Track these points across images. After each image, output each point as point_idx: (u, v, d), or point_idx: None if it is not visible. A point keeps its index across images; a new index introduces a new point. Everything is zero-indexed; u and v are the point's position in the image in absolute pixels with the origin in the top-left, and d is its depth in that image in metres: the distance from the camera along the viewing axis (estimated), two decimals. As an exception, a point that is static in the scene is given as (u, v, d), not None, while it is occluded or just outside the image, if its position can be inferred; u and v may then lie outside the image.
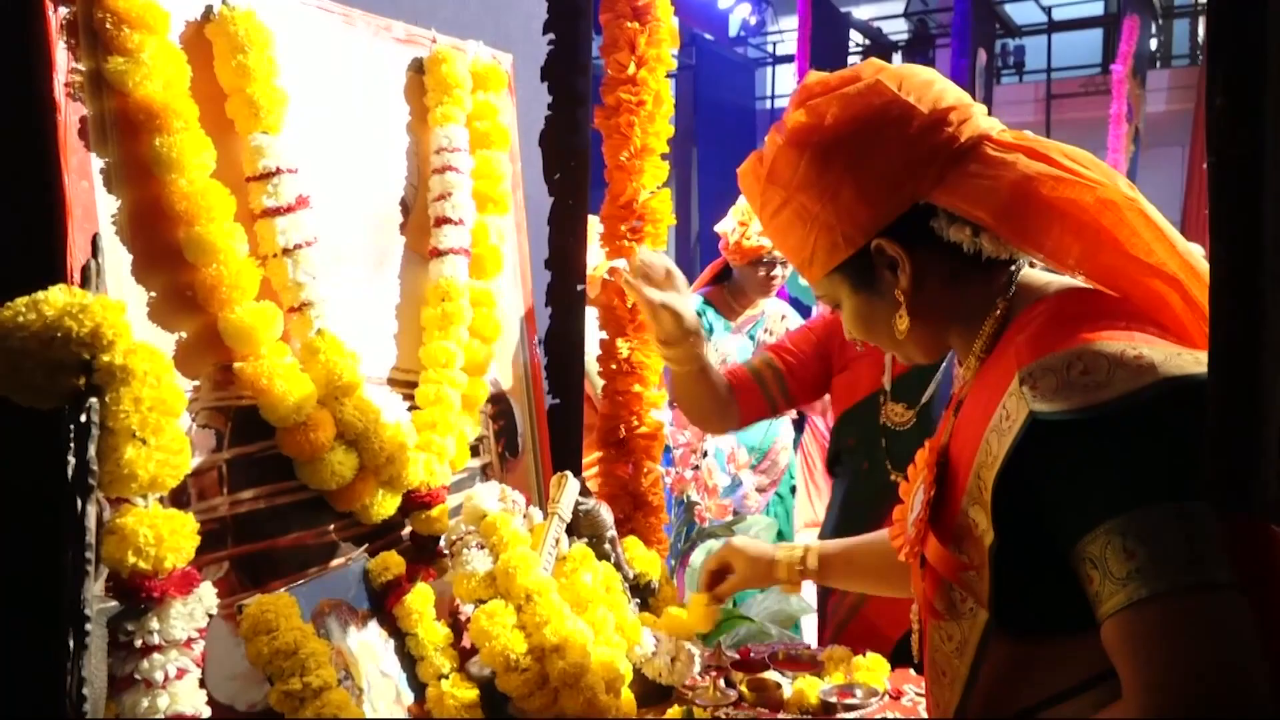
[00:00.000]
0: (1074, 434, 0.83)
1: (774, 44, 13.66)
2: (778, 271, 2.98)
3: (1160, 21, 12.91)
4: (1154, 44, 12.53)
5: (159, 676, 0.92)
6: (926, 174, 0.96)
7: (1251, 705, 0.74)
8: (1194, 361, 0.82)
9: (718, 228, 3.07)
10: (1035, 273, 1.03)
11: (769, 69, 13.72)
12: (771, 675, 1.62)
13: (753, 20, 11.95)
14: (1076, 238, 0.92)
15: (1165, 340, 0.87)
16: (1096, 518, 0.81)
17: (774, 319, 3.17)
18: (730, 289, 3.12)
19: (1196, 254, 0.92)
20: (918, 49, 12.72)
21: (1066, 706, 0.89)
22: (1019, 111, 12.06)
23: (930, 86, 0.99)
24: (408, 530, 1.52)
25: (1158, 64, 12.86)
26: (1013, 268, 1.01)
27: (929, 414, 1.78)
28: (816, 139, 0.99)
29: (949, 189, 0.96)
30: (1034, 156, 0.95)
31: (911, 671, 1.65)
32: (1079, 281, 0.98)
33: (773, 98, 13.31)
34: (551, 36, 1.96)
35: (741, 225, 2.94)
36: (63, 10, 1.13)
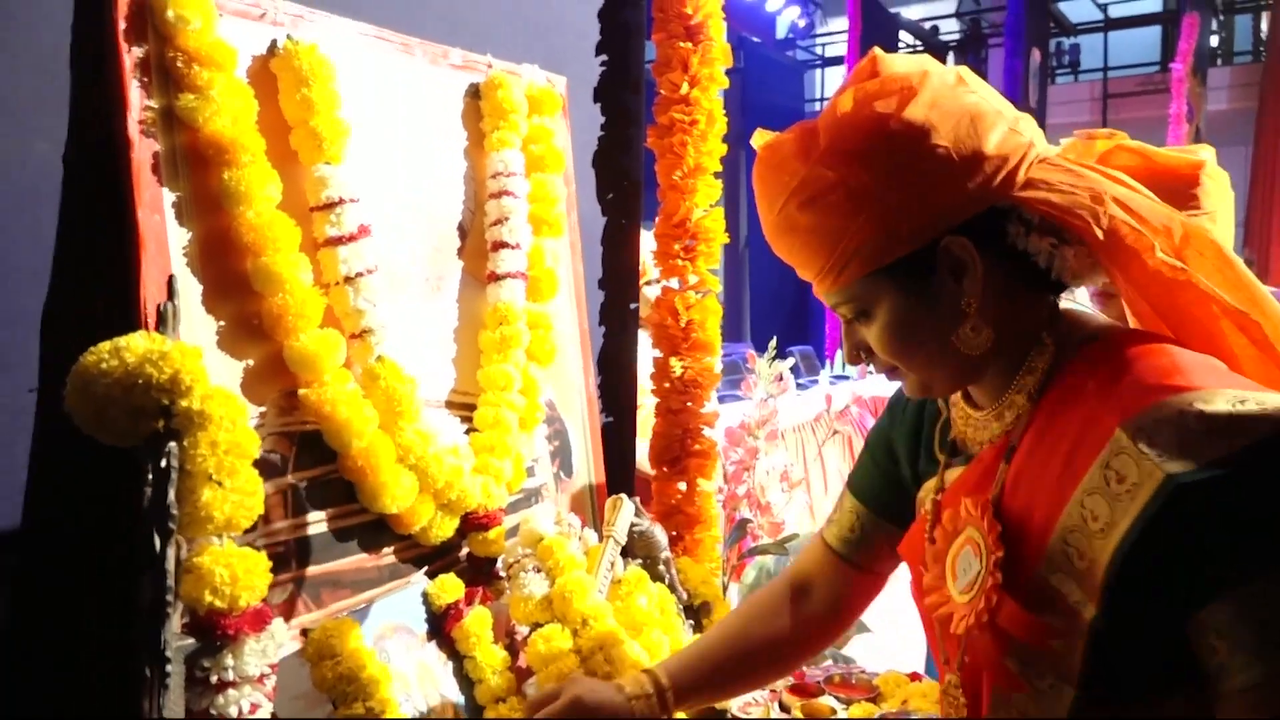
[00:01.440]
0: (1213, 495, 0.75)
1: (823, 46, 13.60)
2: None
3: (1221, 17, 12.61)
4: (1215, 40, 12.24)
5: (233, 712, 0.95)
6: (1010, 173, 0.86)
7: None
8: None
9: None
10: (1072, 306, 0.95)
11: (818, 71, 13.65)
12: (826, 700, 1.61)
13: (801, 23, 11.90)
14: (1157, 266, 0.85)
15: (1253, 381, 0.82)
16: (1230, 582, 0.75)
17: None
18: None
19: (1266, 293, 0.87)
20: (970, 49, 12.57)
21: None
22: (1074, 111, 11.86)
23: (995, 93, 0.93)
24: (465, 552, 1.54)
25: (1219, 61, 12.56)
26: (1057, 297, 0.94)
27: None
28: (899, 113, 0.85)
29: (1035, 192, 0.86)
30: (1109, 178, 0.89)
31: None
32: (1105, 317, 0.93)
33: (822, 100, 13.25)
34: (605, 57, 1.97)
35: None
36: (136, 50, 1.17)
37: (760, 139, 0.95)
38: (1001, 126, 0.87)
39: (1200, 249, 0.87)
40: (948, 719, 0.97)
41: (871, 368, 0.98)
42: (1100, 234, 0.86)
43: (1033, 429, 0.90)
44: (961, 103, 0.87)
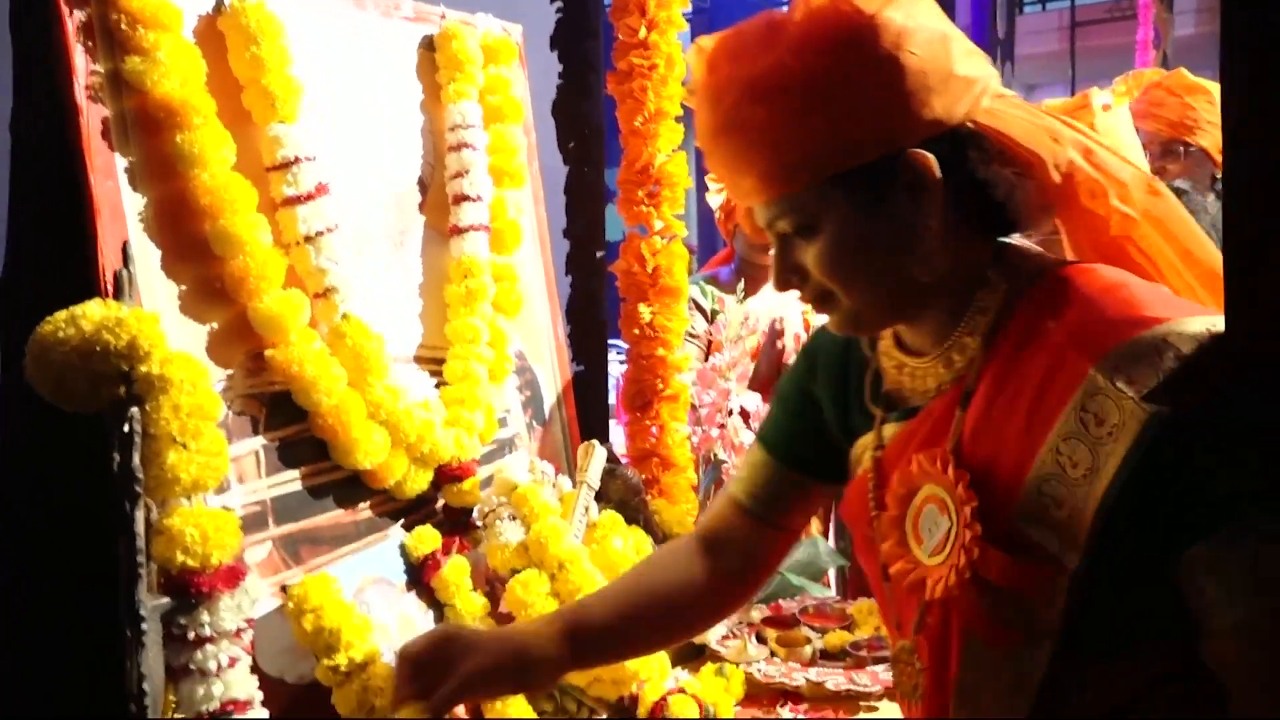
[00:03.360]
0: (1199, 428, 0.73)
1: (789, -18, 13.39)
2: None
3: (1188, -61, 12.50)
4: (1182, -37, 12.16)
5: (212, 666, 0.98)
6: (977, 96, 0.83)
7: None
8: None
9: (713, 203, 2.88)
10: (1022, 247, 0.91)
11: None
12: (802, 630, 1.66)
13: (767, -41, 11.73)
14: (1105, 218, 0.86)
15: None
16: (1216, 521, 0.72)
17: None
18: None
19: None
20: (937, -20, 12.43)
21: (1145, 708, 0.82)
22: (1043, 41, 11.79)
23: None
24: (441, 504, 1.56)
25: (1186, -15, 12.49)
26: (1002, 236, 0.90)
27: None
28: (878, 13, 0.81)
29: (1000, 120, 0.84)
30: (1064, 123, 0.88)
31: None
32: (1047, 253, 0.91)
33: (790, 38, 13.11)
34: (560, 4, 1.95)
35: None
36: (78, 14, 1.15)
37: (707, 39, 0.89)
38: (971, 52, 0.85)
39: (1162, 214, 0.86)
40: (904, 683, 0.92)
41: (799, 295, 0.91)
42: (1056, 175, 0.84)
43: (989, 373, 0.85)
44: (937, 20, 0.84)
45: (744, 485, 1.12)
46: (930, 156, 0.82)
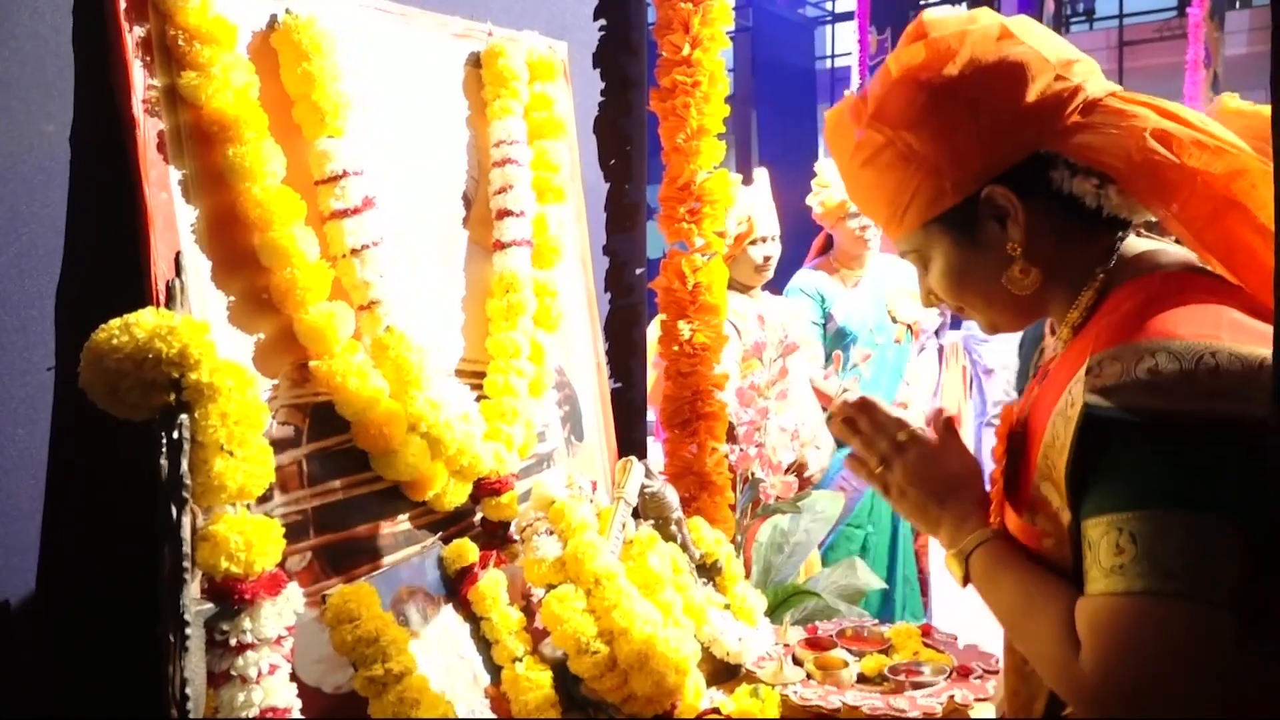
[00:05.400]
0: (1119, 430, 0.82)
1: (833, 1, 13.38)
2: (868, 221, 3.19)
3: (1240, -41, 12.32)
4: (1233, -17, 11.97)
5: (253, 673, 0.99)
6: (1051, 121, 0.92)
7: (1174, 715, 0.77)
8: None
9: (808, 200, 3.31)
10: (1141, 243, 0.98)
11: (828, 27, 13.46)
12: (839, 653, 1.64)
13: (810, -22, 11.73)
14: (1206, 199, 0.89)
15: (1260, 337, 0.82)
16: (1105, 507, 0.83)
17: (889, 274, 3.38)
18: (836, 256, 3.38)
19: None
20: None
21: None
22: (1090, 61, 11.66)
23: (1049, 36, 0.97)
24: (479, 517, 1.57)
25: (1237, 4, 12.29)
26: (1119, 234, 0.98)
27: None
28: (935, 73, 0.94)
29: (1076, 139, 0.92)
30: (1162, 114, 0.92)
31: (979, 648, 1.66)
32: (1189, 257, 0.95)
33: (833, 57, 13.07)
34: (604, 21, 1.96)
35: (822, 188, 3.25)
36: (138, 30, 1.18)
37: (831, 111, 1.07)
38: (1045, 77, 0.93)
39: (1254, 181, 0.88)
40: None
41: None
42: (1129, 169, 0.90)
43: (1062, 356, 0.97)
44: (1003, 55, 0.93)
45: None
46: (1005, 190, 0.94)
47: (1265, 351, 0.79)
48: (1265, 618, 0.81)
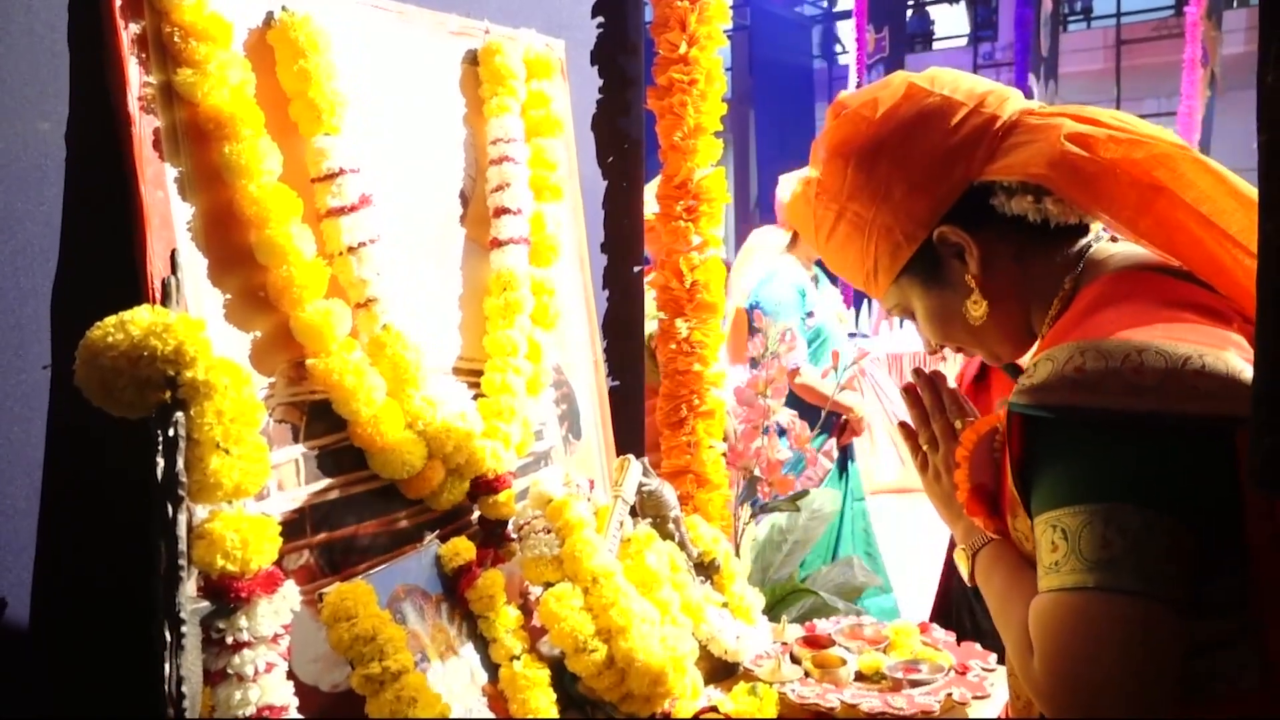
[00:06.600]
0: (1049, 429, 0.84)
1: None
2: None
3: (1237, -43, 12.33)
4: (1230, -18, 11.98)
5: (249, 671, 0.99)
6: (974, 154, 0.97)
7: (1116, 711, 0.77)
8: (1215, 364, 0.78)
9: (779, 196, 3.23)
10: (1110, 247, 1.01)
11: (826, 25, 13.45)
12: (837, 651, 1.64)
13: (807, -23, 11.73)
14: (1130, 188, 0.91)
15: (1201, 338, 0.82)
16: (1042, 506, 0.84)
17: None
18: (804, 248, 3.36)
19: None
20: (981, 0, 12.36)
21: None
22: (1087, 60, 11.68)
23: (961, 78, 1.02)
24: (476, 515, 1.56)
25: (1234, 3, 12.31)
26: (1081, 242, 1.00)
27: None
28: (859, 143, 1.01)
29: (1000, 161, 0.96)
30: (1078, 119, 0.95)
31: (977, 647, 1.66)
32: (1146, 256, 0.96)
33: (830, 55, 13.07)
34: (602, 19, 1.96)
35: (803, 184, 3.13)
36: (134, 27, 1.18)
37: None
38: (959, 114, 0.98)
39: (1178, 168, 0.90)
40: None
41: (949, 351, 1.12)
42: (1055, 175, 0.92)
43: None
44: (917, 108, 0.99)
45: None
46: (952, 228, 0.98)
47: (1195, 349, 0.80)
48: (1221, 614, 0.81)
